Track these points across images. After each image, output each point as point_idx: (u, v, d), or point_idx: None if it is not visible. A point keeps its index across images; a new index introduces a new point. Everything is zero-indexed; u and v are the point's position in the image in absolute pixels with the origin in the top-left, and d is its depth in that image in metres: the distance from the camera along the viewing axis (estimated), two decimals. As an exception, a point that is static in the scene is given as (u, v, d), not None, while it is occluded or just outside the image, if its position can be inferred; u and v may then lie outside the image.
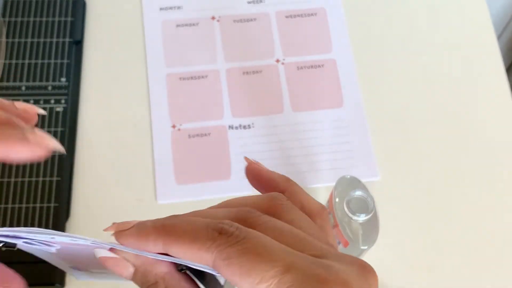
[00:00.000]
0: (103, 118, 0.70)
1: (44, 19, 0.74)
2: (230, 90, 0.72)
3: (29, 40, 0.73)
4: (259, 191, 0.32)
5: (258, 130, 0.69)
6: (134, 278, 0.28)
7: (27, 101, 0.69)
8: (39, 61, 0.72)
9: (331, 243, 0.28)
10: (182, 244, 0.26)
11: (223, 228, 0.25)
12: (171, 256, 0.26)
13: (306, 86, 0.72)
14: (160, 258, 0.27)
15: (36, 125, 0.31)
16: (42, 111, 0.32)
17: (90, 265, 0.30)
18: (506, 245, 0.65)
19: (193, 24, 0.75)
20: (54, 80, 0.71)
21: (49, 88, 0.70)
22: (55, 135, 0.67)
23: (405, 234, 0.65)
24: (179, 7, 0.76)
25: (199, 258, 0.25)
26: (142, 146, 0.68)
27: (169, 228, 0.26)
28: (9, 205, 0.63)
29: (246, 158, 0.32)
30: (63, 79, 0.71)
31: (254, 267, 0.24)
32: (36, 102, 0.69)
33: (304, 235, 0.26)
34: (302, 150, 0.68)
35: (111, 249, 0.27)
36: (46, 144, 0.29)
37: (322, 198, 0.66)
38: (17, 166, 0.65)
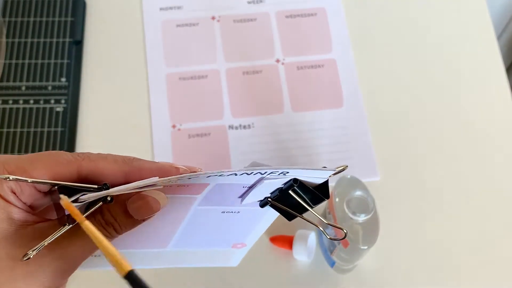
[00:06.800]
0: (103, 118, 0.70)
1: (44, 19, 0.74)
2: (230, 90, 0.72)
3: (29, 40, 0.73)
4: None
5: (258, 130, 0.69)
6: None
7: (27, 101, 0.69)
8: (39, 61, 0.72)
9: None
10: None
11: None
12: None
13: (306, 86, 0.72)
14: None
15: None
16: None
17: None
18: (506, 245, 0.65)
19: (193, 24, 0.75)
20: (54, 80, 0.71)
21: (49, 88, 0.70)
22: (55, 135, 0.67)
23: (405, 234, 0.65)
24: (179, 7, 0.76)
25: None
26: (142, 146, 0.68)
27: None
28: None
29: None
30: (63, 79, 0.71)
31: None
32: (36, 102, 0.69)
33: None
34: (302, 150, 0.68)
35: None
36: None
37: (322, 198, 0.66)
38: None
